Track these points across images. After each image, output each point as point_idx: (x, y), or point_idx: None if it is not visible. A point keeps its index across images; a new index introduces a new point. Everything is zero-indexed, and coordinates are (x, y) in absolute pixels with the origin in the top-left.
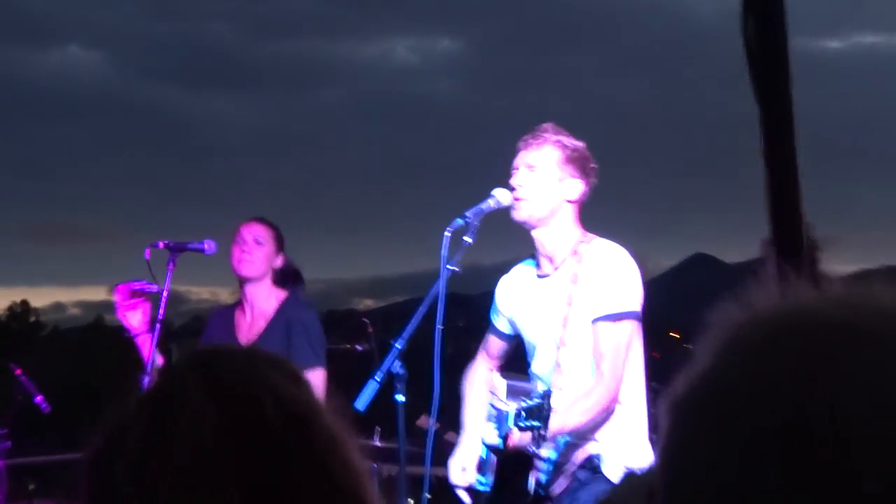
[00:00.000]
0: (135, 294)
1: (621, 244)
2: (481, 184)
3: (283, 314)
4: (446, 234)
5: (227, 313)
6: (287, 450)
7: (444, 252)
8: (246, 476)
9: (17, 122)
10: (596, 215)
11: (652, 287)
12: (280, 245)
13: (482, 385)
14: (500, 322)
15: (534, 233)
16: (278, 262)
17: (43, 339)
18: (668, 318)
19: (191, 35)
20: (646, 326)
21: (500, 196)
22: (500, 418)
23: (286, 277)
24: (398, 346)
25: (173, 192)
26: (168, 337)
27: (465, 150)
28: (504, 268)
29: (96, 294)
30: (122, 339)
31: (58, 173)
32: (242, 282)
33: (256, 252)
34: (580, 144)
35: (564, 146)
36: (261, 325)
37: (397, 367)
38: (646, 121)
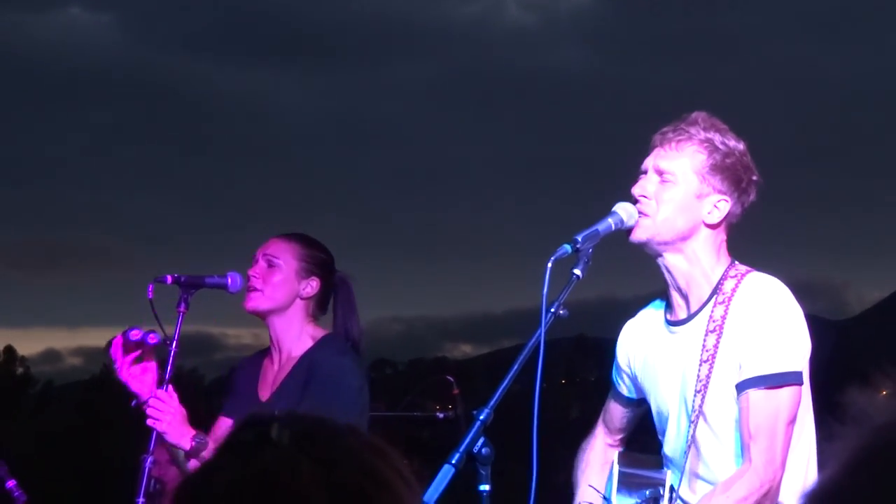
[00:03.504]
0: (131, 347)
1: (786, 277)
2: (621, 187)
3: (308, 357)
4: (548, 265)
5: (256, 361)
6: None
7: (544, 291)
8: None
9: None
10: (774, 232)
11: (852, 328)
12: (311, 265)
13: (599, 469)
14: (622, 383)
15: (661, 261)
16: (308, 289)
17: (32, 398)
18: (872, 371)
19: None
20: (837, 382)
21: (625, 213)
22: None
23: (326, 305)
24: (482, 418)
25: (205, 200)
26: (197, 395)
27: (598, 141)
28: (647, 303)
29: (102, 337)
30: (128, 406)
31: (50, 176)
32: (262, 320)
33: (268, 277)
34: (738, 147)
35: (714, 149)
36: (285, 373)
37: (481, 446)
38: (845, 101)
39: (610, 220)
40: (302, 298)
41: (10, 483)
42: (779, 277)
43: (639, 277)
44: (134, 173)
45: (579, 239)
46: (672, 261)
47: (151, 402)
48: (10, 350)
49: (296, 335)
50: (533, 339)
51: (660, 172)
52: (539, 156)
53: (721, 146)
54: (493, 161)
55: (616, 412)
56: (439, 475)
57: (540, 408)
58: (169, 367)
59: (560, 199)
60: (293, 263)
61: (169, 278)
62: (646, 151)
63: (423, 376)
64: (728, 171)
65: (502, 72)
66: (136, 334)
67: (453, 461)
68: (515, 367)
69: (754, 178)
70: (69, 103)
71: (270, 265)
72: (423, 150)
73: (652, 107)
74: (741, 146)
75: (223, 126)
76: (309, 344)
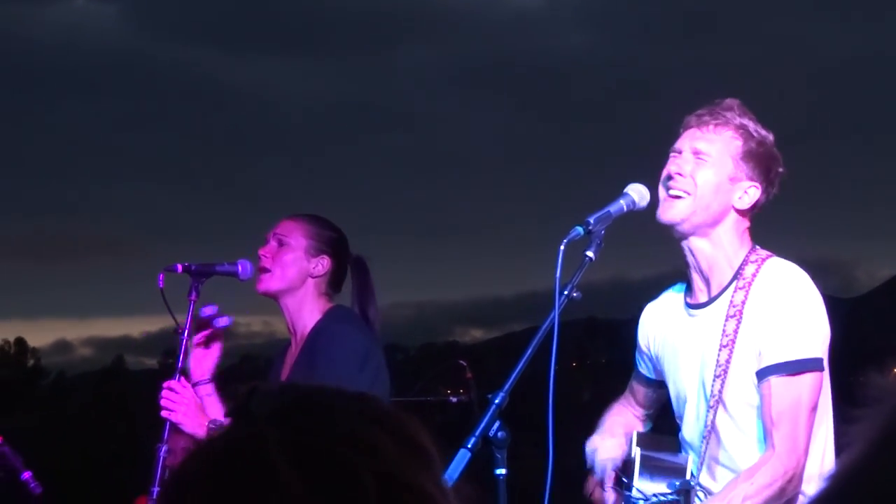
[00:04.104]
0: (204, 325)
1: (796, 255)
2: (628, 172)
3: (313, 330)
4: (561, 248)
5: (284, 349)
6: None
7: (558, 273)
8: None
9: (5, 100)
10: (783, 209)
11: (862, 307)
12: (321, 243)
13: (621, 427)
14: (643, 364)
15: (685, 244)
16: (319, 267)
17: (44, 390)
18: (882, 349)
19: None
20: (850, 363)
21: (636, 195)
22: None
23: (340, 282)
24: (497, 402)
25: (213, 188)
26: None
27: (607, 127)
28: (660, 284)
29: (113, 328)
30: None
31: (58, 166)
32: (273, 299)
33: (278, 256)
34: (769, 137)
35: (749, 136)
36: (299, 351)
37: (496, 430)
38: (859, 80)
39: (622, 202)
40: (313, 277)
41: (26, 475)
42: (788, 255)
43: (648, 260)
44: (144, 164)
45: (591, 221)
46: (697, 244)
47: (164, 393)
48: (20, 342)
49: (308, 314)
50: (547, 322)
51: (696, 153)
52: (547, 139)
53: (755, 134)
54: (502, 145)
55: (639, 391)
56: (455, 459)
57: (553, 394)
58: (180, 357)
59: (568, 183)
60: (303, 242)
61: (179, 267)
62: (657, 133)
63: (433, 361)
64: (760, 159)
65: (509, 58)
66: (207, 311)
67: (469, 445)
68: (530, 350)
69: (780, 170)
70: (78, 94)
71: (280, 244)
72: (431, 135)
73: (658, 89)
74: (771, 137)
75: (231, 115)
76: (318, 317)
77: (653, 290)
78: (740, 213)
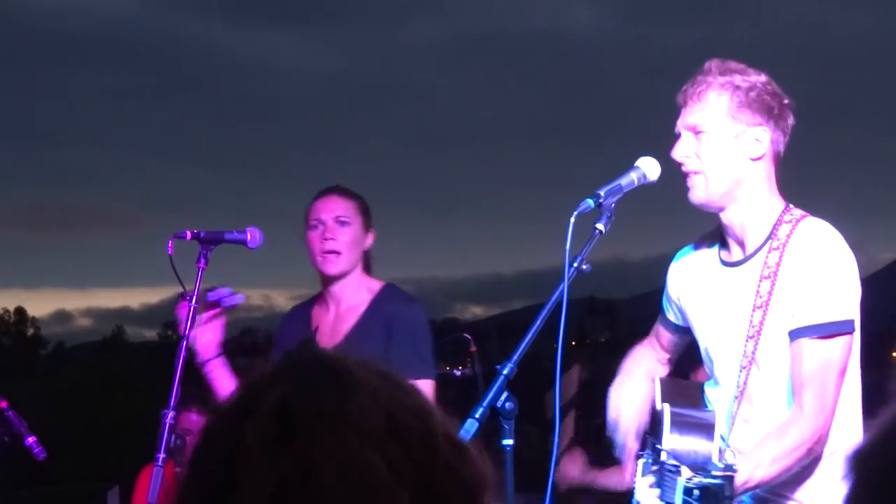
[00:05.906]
0: (212, 305)
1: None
2: (636, 148)
3: (378, 309)
4: (571, 220)
5: (304, 311)
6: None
7: (567, 245)
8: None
9: (7, 71)
10: (786, 189)
11: (864, 290)
12: (368, 219)
13: (644, 377)
14: (671, 311)
15: (721, 215)
16: (369, 241)
17: (44, 360)
18: (886, 331)
19: None
20: (861, 342)
21: (647, 168)
22: (662, 481)
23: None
24: (505, 372)
25: (216, 161)
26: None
27: (613, 104)
28: (659, 263)
29: (113, 299)
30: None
31: (60, 137)
32: (328, 280)
33: (342, 237)
34: (759, 80)
35: (736, 87)
36: (349, 323)
37: (504, 400)
38: (867, 60)
39: (633, 175)
40: (363, 252)
41: (30, 439)
42: None
43: (648, 239)
44: (145, 135)
45: (602, 194)
46: (730, 213)
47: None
48: (20, 312)
49: (356, 288)
50: (556, 294)
51: (691, 128)
52: (550, 117)
53: (742, 83)
54: (505, 122)
55: (664, 336)
56: (462, 429)
57: (561, 364)
58: (189, 323)
59: (571, 161)
60: (359, 219)
61: (188, 234)
62: (659, 111)
63: (434, 338)
64: (756, 103)
65: (515, 35)
66: (220, 293)
67: (477, 415)
68: (538, 321)
69: (786, 101)
70: (80, 65)
71: (342, 223)
72: (434, 112)
73: (663, 66)
74: (762, 77)
75: (235, 88)
76: (365, 295)
77: (653, 270)
78: (760, 159)
